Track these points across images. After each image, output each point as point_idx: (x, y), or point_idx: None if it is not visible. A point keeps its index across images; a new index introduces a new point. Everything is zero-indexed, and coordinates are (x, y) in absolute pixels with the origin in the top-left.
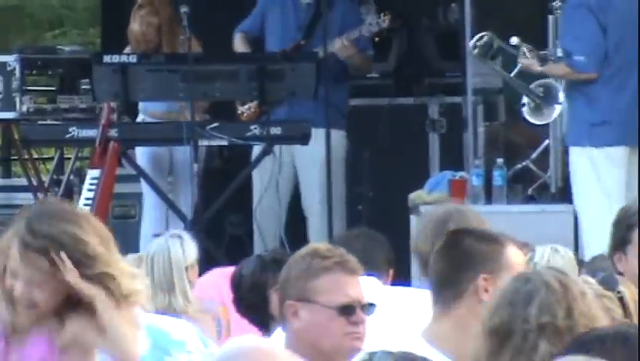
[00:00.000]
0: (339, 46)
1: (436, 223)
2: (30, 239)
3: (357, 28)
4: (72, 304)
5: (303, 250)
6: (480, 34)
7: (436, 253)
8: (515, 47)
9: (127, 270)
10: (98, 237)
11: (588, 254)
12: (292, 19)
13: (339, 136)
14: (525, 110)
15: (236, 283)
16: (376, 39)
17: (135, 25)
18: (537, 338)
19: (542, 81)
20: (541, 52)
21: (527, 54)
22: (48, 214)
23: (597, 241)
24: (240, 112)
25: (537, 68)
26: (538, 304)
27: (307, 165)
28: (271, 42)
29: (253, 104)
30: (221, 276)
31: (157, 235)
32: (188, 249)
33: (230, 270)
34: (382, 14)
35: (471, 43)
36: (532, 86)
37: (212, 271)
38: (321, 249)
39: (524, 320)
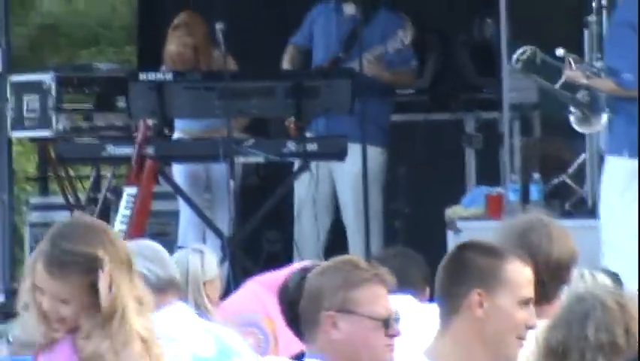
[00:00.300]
0: (366, 63)
1: (518, 235)
2: (53, 256)
3: (382, 45)
4: (96, 318)
5: (337, 262)
6: (522, 49)
7: (439, 266)
8: (561, 58)
9: (139, 296)
10: (118, 259)
11: (605, 265)
12: (334, 31)
13: (376, 152)
14: (572, 120)
15: (283, 296)
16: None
17: (171, 46)
18: (595, 356)
19: (587, 90)
20: (586, 63)
21: (573, 66)
22: (73, 232)
23: (615, 253)
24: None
25: (582, 80)
26: (595, 322)
27: (344, 181)
28: (317, 55)
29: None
30: (259, 285)
31: (180, 247)
32: (207, 264)
33: (265, 278)
34: (403, 30)
35: (513, 57)
36: (577, 95)
37: (248, 283)
38: (357, 260)
39: (582, 338)
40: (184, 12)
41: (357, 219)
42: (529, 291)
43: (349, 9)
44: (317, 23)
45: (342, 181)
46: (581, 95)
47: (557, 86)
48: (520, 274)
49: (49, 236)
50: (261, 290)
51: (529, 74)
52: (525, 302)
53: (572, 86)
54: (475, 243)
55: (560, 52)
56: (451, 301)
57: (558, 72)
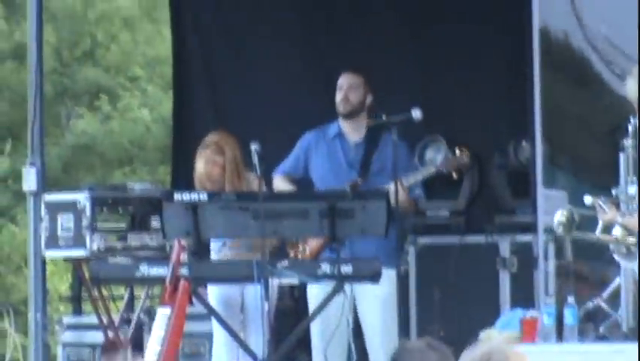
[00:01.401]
0: (399, 186)
1: None
2: None
3: (429, 167)
4: None
5: None
6: (559, 212)
7: None
8: (591, 206)
9: None
10: None
11: None
12: (342, 158)
13: (393, 275)
14: (617, 257)
15: None
16: (454, 176)
17: (200, 165)
18: None
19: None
20: (616, 199)
21: (605, 208)
22: None
23: None
24: (293, 255)
25: (618, 220)
26: None
27: (367, 304)
28: (320, 182)
29: (311, 245)
30: None
31: None
32: None
33: None
34: (459, 150)
35: (554, 223)
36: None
37: None
38: None
39: None
40: (215, 132)
41: (384, 343)
42: None
43: (355, 135)
44: (317, 151)
45: (366, 305)
46: (620, 233)
47: (598, 233)
48: None
49: None
50: None
51: (571, 233)
52: None
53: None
54: None
55: (588, 200)
56: None
57: (595, 220)
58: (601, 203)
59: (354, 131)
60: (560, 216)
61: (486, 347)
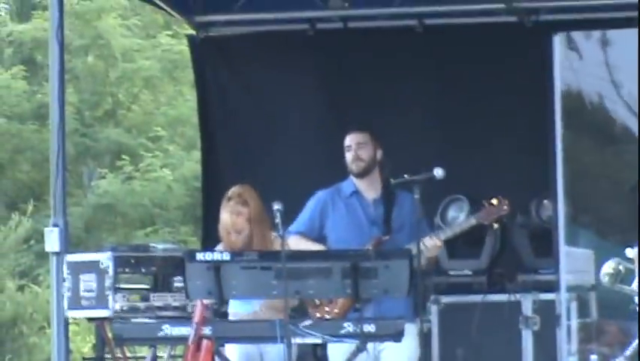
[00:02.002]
0: (432, 244)
1: None
2: None
3: (470, 218)
4: None
5: None
6: (608, 263)
7: None
8: (631, 259)
9: None
10: None
11: None
12: (362, 216)
13: (415, 329)
14: None
15: None
16: (495, 226)
17: (225, 215)
18: None
19: None
20: None
21: None
22: None
23: None
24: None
25: None
26: None
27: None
28: (339, 241)
29: (334, 306)
30: None
31: None
32: None
33: None
34: (497, 200)
35: (601, 273)
36: None
37: None
38: None
39: None
40: (238, 185)
41: None
42: None
43: (371, 193)
44: (333, 210)
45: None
46: None
47: (634, 285)
48: None
49: None
50: None
51: (617, 285)
52: None
53: None
54: None
55: (629, 253)
56: None
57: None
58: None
59: (369, 189)
60: (607, 268)
61: None
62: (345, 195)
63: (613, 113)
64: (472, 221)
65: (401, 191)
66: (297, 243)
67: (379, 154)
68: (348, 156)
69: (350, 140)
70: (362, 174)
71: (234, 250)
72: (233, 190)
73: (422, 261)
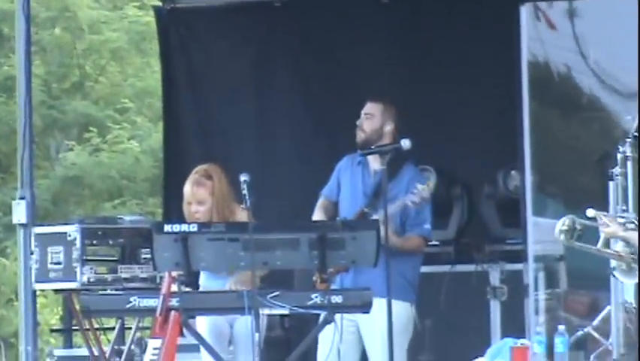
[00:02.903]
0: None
1: None
2: None
3: (400, 200)
4: None
5: None
6: (562, 219)
7: None
8: (593, 219)
9: None
10: None
11: None
12: (360, 185)
13: (403, 308)
14: (618, 274)
15: None
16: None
17: (187, 187)
18: None
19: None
20: (620, 216)
21: (608, 222)
22: None
23: None
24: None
25: (620, 234)
26: None
27: (370, 335)
28: (343, 207)
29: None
30: None
31: None
32: None
33: None
34: (423, 185)
35: (556, 231)
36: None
37: None
38: None
39: None
40: (203, 164)
41: None
42: None
43: (375, 164)
44: (344, 176)
45: (368, 335)
46: (621, 248)
47: (599, 245)
48: None
49: None
50: None
51: (572, 242)
52: None
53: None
54: None
55: (590, 213)
56: None
57: (597, 232)
58: (604, 218)
59: (375, 159)
60: (561, 225)
61: None
62: (355, 163)
63: (580, 84)
64: (400, 203)
65: (407, 163)
66: (318, 207)
67: (389, 127)
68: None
69: (364, 109)
70: (361, 146)
71: (195, 221)
72: (200, 166)
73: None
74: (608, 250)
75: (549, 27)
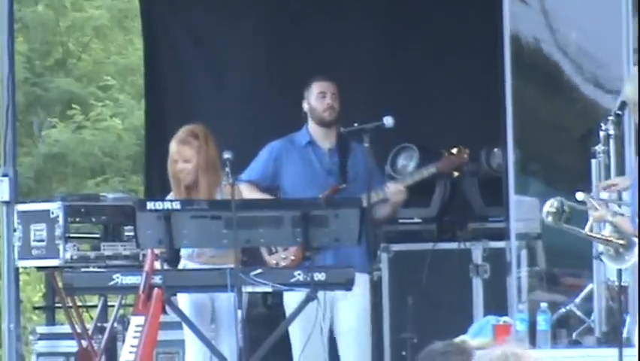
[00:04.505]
0: (395, 190)
1: None
2: None
3: (430, 166)
4: None
5: None
6: (550, 201)
7: None
8: (582, 202)
9: None
10: None
11: None
12: (317, 165)
13: (366, 280)
14: (605, 259)
15: None
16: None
17: (173, 145)
18: None
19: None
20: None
21: (597, 206)
22: None
23: None
24: (273, 262)
25: (609, 218)
26: None
27: (342, 310)
28: (294, 190)
29: (290, 253)
30: None
31: None
32: None
33: None
34: (457, 149)
35: (543, 212)
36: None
37: None
38: None
39: None
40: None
41: (359, 350)
42: None
43: (326, 143)
44: (288, 160)
45: (341, 311)
46: (609, 233)
47: (587, 229)
48: None
49: None
50: None
51: (560, 224)
52: None
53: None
54: None
55: (580, 196)
56: None
57: (586, 215)
58: (593, 201)
59: (325, 139)
60: (549, 207)
61: (500, 350)
62: (300, 146)
63: (565, 63)
64: (433, 170)
65: (354, 142)
66: (247, 191)
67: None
68: (321, 103)
69: (325, 88)
70: (331, 124)
71: (180, 181)
72: (187, 126)
73: (387, 208)
74: (597, 235)
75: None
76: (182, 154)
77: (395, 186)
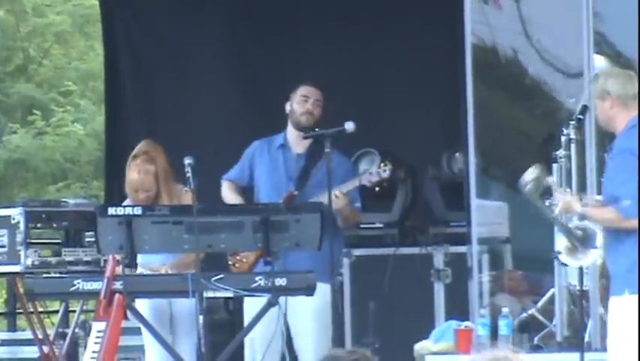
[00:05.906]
0: (333, 197)
1: None
2: None
3: (356, 179)
4: None
5: None
6: (530, 169)
7: None
8: (552, 188)
9: None
10: None
11: None
12: (282, 169)
13: (327, 289)
14: (561, 256)
15: None
16: (377, 189)
17: (132, 174)
18: None
19: (582, 224)
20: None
21: (564, 195)
22: None
23: None
24: (232, 263)
25: (577, 208)
26: None
27: (299, 318)
28: (262, 193)
29: (246, 256)
30: None
31: None
32: None
33: None
34: (383, 164)
35: (523, 179)
36: (571, 226)
37: None
38: None
39: None
40: (143, 141)
41: (316, 356)
42: None
43: (298, 148)
44: (260, 161)
45: (298, 318)
46: (574, 228)
47: (556, 213)
48: None
49: None
50: None
51: (536, 195)
52: None
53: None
54: None
55: (549, 181)
56: None
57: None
58: (560, 188)
59: (299, 143)
60: (530, 174)
61: (491, 354)
62: (274, 147)
63: (526, 67)
64: (356, 182)
65: (336, 150)
66: (224, 190)
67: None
68: (301, 107)
69: (309, 92)
70: (306, 129)
71: (140, 201)
72: (139, 148)
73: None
74: (561, 221)
75: (496, 9)
76: (144, 185)
77: (337, 192)
